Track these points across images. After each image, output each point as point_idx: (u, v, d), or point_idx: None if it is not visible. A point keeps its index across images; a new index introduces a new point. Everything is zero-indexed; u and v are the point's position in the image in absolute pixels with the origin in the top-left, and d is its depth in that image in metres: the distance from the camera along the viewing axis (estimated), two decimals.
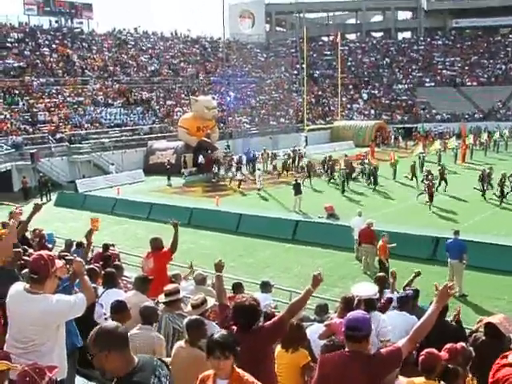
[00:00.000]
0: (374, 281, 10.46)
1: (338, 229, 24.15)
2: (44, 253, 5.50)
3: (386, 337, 7.54)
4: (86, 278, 5.98)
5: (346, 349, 5.01)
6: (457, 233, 18.15)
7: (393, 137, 66.27)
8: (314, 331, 7.91)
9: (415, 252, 21.06)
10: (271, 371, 6.01)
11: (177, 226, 11.43)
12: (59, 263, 5.76)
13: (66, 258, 7.27)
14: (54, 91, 55.69)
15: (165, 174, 42.75)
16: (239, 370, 4.66)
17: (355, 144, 62.45)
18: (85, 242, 9.75)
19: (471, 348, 7.47)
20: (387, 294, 9.65)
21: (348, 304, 7.42)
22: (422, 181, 32.76)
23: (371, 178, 37.37)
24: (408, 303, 8.66)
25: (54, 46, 64.20)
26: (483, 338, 7.53)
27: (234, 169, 42.60)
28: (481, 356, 6.83)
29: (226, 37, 73.77)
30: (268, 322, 5.96)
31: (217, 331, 4.87)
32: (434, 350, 6.04)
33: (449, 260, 17.97)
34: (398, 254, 19.69)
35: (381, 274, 11.54)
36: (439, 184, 33.13)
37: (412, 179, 35.75)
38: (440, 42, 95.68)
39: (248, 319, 5.74)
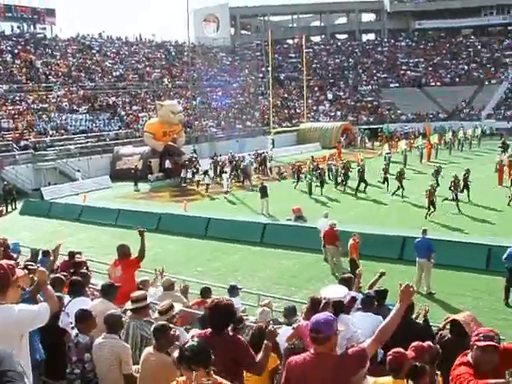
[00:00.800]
0: (339, 281, 10.47)
1: (306, 231, 24.18)
2: (3, 262, 5.42)
3: (358, 341, 7.56)
4: (49, 287, 5.91)
5: (311, 351, 5.02)
6: (425, 232, 18.32)
7: (359, 138, 66.68)
8: (282, 334, 7.91)
9: (384, 252, 21.19)
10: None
11: (143, 233, 11.32)
12: (20, 272, 5.68)
13: (29, 267, 7.16)
14: (17, 98, 54.99)
15: (132, 179, 42.46)
16: (217, 377, 4.64)
17: (322, 146, 62.72)
18: (51, 251, 9.65)
19: (438, 345, 7.57)
20: (351, 293, 9.65)
21: (314, 305, 7.42)
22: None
23: (338, 178, 37.61)
24: (372, 304, 8.68)
25: (16, 51, 63.35)
26: (449, 335, 7.61)
27: (201, 173, 42.60)
28: (446, 353, 6.90)
29: (191, 41, 73.60)
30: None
31: (190, 340, 4.82)
32: (401, 350, 6.08)
33: (417, 259, 18.13)
34: (367, 254, 19.87)
35: (346, 275, 11.56)
36: (398, 188, 33.37)
37: (384, 182, 35.57)
38: (403, 44, 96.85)
39: (222, 320, 5.73)
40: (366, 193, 34.73)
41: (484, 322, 14.49)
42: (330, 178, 40.22)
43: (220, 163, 45.05)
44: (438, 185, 31.68)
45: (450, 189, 29.49)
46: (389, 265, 20.06)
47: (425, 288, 17.86)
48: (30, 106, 54.66)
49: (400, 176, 33.48)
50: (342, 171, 37.53)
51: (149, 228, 22.57)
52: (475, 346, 5.01)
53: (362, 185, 35.46)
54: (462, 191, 30.25)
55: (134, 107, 63.72)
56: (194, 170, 44.26)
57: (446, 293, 17.68)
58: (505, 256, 16.87)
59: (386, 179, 35.11)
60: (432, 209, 27.36)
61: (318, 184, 36.66)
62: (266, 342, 5.61)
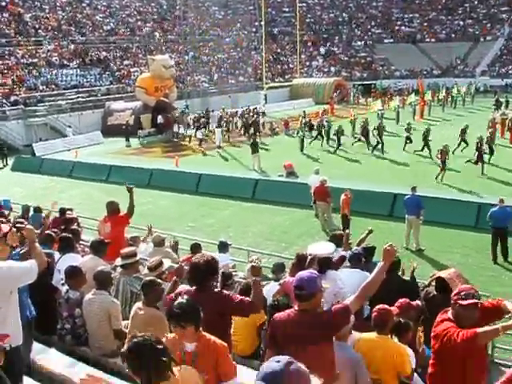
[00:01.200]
0: (329, 238, 10.57)
1: (297, 187, 24.24)
2: None
3: (345, 297, 7.67)
4: (37, 244, 5.94)
5: (295, 307, 5.10)
6: (414, 189, 18.40)
7: (352, 94, 66.36)
8: (270, 290, 8.02)
9: (374, 209, 21.34)
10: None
11: (131, 190, 11.30)
12: (5, 227, 5.71)
13: (18, 225, 7.17)
14: (6, 52, 54.20)
15: (123, 135, 42.25)
16: (205, 334, 4.72)
17: (315, 101, 62.42)
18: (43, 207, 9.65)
19: (423, 302, 7.70)
20: (340, 251, 9.76)
21: (300, 262, 7.52)
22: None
23: (330, 136, 37.50)
24: (359, 260, 8.78)
25: (3, 4, 61.93)
26: (434, 292, 7.73)
27: (193, 128, 42.51)
28: (431, 310, 7.02)
29: None
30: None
31: (179, 299, 4.87)
32: (386, 306, 6.20)
33: (406, 216, 18.26)
34: (358, 210, 19.96)
35: (337, 232, 11.67)
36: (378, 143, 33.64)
37: (361, 140, 35.63)
38: None
39: (203, 276, 5.73)
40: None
41: (471, 279, 14.69)
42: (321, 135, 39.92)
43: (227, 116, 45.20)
44: (467, 144, 30.90)
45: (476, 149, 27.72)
46: (379, 221, 20.33)
47: (414, 245, 18.03)
48: (20, 60, 53.96)
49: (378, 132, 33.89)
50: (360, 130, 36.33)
51: (140, 184, 22.73)
52: (457, 305, 5.12)
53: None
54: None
55: (126, 62, 63.08)
56: (187, 126, 44.15)
57: (435, 249, 17.88)
58: (488, 216, 17.14)
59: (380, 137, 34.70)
60: (442, 170, 26.18)
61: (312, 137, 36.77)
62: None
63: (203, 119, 44.55)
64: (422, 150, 31.60)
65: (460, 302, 5.14)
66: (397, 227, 19.13)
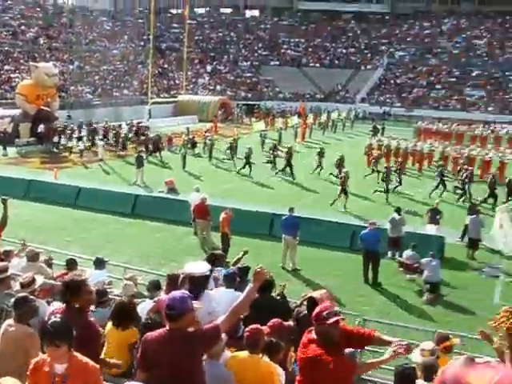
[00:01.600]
0: (207, 257, 10.66)
1: (178, 203, 24.18)
2: None
3: (218, 316, 7.75)
4: None
5: (167, 327, 5.15)
6: (291, 210, 18.89)
7: (236, 113, 67.11)
8: (144, 308, 8.00)
9: (254, 228, 21.62)
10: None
11: (6, 201, 10.92)
12: None
13: None
14: None
15: (0, 143, 40.61)
16: (77, 355, 4.67)
17: (199, 119, 62.57)
18: None
19: (295, 321, 7.92)
20: (221, 271, 9.85)
21: (171, 282, 7.57)
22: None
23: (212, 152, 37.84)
24: (234, 280, 8.91)
25: None
26: (305, 312, 7.96)
27: (74, 139, 41.58)
28: (302, 329, 7.22)
29: (71, 1, 71.10)
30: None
31: (52, 317, 4.81)
32: (258, 326, 6.33)
33: (283, 236, 18.67)
34: (237, 230, 20.07)
35: (216, 251, 11.77)
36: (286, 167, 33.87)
37: (230, 159, 36.37)
38: (286, 23, 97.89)
39: (69, 294, 5.76)
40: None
41: (343, 300, 15.32)
42: (204, 151, 40.10)
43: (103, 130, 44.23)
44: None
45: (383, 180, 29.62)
46: (259, 241, 20.69)
47: (290, 264, 18.45)
48: None
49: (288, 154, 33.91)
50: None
51: (16, 195, 21.94)
52: (322, 324, 5.33)
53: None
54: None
55: (7, 67, 60.79)
56: (68, 137, 43.10)
57: (311, 270, 18.35)
58: (359, 238, 17.92)
59: (275, 158, 35.47)
60: (344, 196, 26.51)
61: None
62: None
63: (86, 131, 43.69)
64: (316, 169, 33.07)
65: (327, 321, 5.34)
66: (276, 246, 19.46)
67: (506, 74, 76.55)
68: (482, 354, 6.72)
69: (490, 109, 70.34)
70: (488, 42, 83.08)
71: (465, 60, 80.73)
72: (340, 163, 32.09)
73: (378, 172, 31.99)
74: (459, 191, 29.33)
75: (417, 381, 5.95)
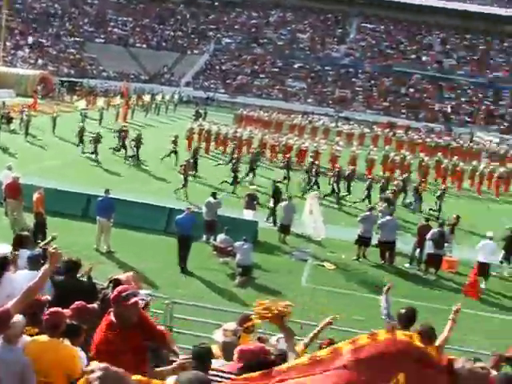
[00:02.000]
0: (13, 239, 10.25)
1: None
2: None
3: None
4: None
5: None
6: (107, 191, 18.66)
7: (57, 89, 64.66)
8: None
9: (68, 209, 21.02)
10: None
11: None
12: None
13: None
14: None
15: None
16: None
17: (16, 93, 59.44)
18: None
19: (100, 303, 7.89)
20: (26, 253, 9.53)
21: None
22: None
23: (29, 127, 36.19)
24: (38, 262, 8.62)
25: None
26: (110, 294, 7.97)
27: None
28: (106, 311, 7.25)
29: None
30: None
31: None
32: (58, 309, 6.24)
33: (98, 218, 18.40)
34: (52, 210, 19.37)
35: (24, 233, 11.32)
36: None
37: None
38: (115, 0, 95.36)
39: None
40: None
41: (160, 283, 15.49)
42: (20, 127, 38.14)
43: None
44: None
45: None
46: (73, 222, 20.23)
47: (105, 247, 18.24)
48: None
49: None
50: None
51: None
52: (121, 305, 5.37)
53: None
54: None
55: None
56: None
57: (127, 252, 18.27)
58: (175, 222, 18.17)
59: (81, 139, 33.82)
60: (183, 185, 25.87)
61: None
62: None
63: None
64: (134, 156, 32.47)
65: (127, 302, 5.38)
66: (91, 228, 19.04)
67: (326, 68, 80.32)
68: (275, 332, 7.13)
69: (309, 100, 73.55)
70: (311, 37, 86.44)
71: (288, 52, 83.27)
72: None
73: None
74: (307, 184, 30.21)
75: (217, 360, 6.16)
